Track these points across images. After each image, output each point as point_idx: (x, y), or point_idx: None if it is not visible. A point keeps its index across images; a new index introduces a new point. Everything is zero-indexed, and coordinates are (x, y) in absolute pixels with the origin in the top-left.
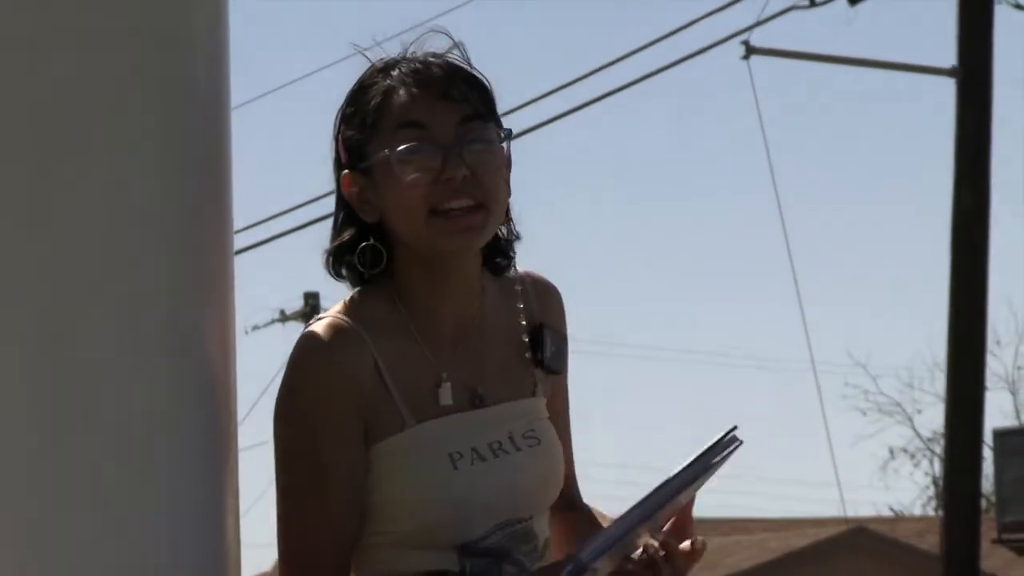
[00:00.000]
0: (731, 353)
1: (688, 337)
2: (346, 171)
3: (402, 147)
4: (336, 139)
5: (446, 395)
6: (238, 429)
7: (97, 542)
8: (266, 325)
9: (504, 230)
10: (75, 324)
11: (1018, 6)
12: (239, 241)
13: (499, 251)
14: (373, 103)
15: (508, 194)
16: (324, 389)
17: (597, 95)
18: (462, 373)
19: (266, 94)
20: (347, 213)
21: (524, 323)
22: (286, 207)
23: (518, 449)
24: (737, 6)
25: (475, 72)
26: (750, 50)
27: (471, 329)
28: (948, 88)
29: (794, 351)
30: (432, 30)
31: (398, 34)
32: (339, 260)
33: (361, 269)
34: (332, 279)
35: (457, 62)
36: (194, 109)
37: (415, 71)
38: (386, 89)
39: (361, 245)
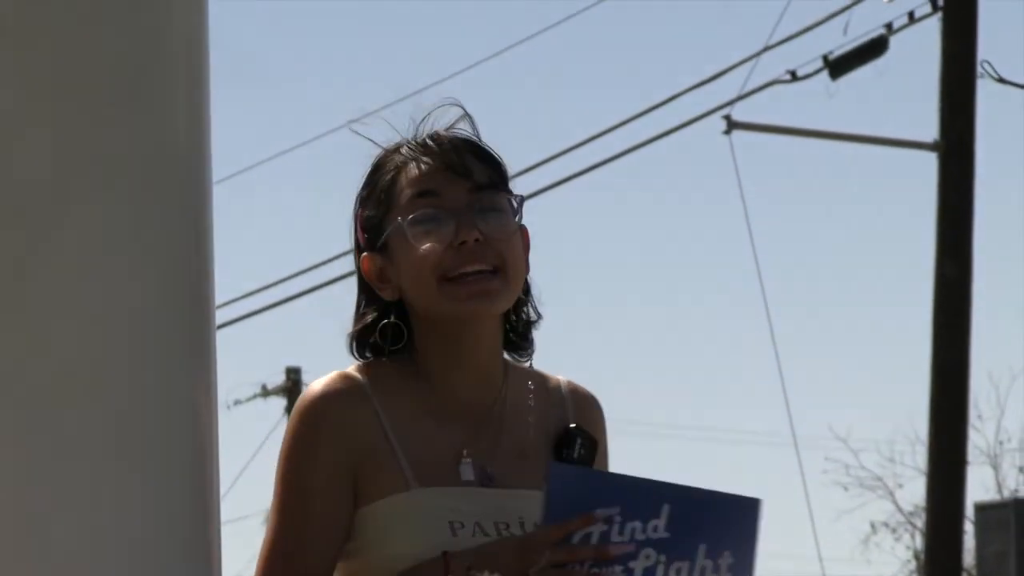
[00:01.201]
0: (711, 427)
1: (667, 412)
2: (365, 253)
3: (413, 215)
4: (354, 223)
5: (467, 471)
6: (220, 503)
7: None
8: (248, 400)
9: (525, 311)
10: (54, 399)
11: (1001, 80)
12: (221, 316)
13: (518, 332)
14: (386, 179)
15: (526, 268)
16: (317, 429)
17: (577, 170)
18: (475, 450)
19: (249, 168)
20: (368, 296)
21: (554, 423)
22: (268, 282)
23: None
24: (718, 81)
25: (484, 145)
26: (731, 124)
27: (491, 409)
28: (931, 161)
29: (775, 425)
30: (443, 103)
31: (387, 106)
32: (363, 343)
33: (382, 345)
34: (356, 361)
35: (466, 135)
36: (175, 183)
37: (425, 145)
38: (398, 165)
39: (383, 323)
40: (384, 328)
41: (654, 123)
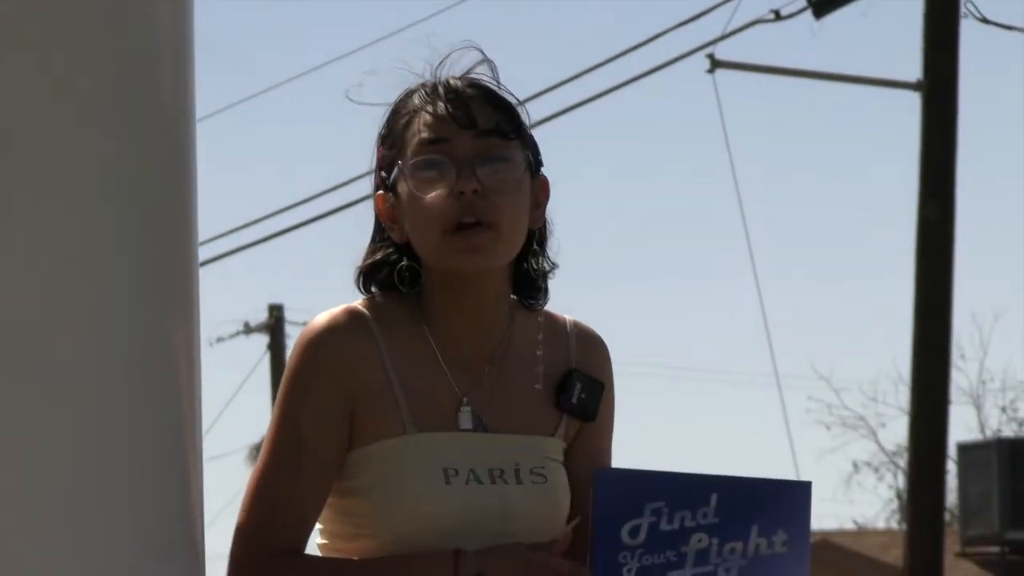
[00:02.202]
0: (694, 366)
1: (650, 350)
2: (380, 191)
3: (415, 160)
4: (374, 159)
5: (466, 419)
6: (203, 440)
7: (60, 553)
8: (230, 337)
9: (537, 260)
10: (39, 335)
11: (985, 20)
12: (204, 253)
13: (529, 282)
14: (401, 123)
15: (539, 222)
16: (317, 363)
17: (562, 108)
18: (474, 397)
19: (231, 105)
20: (382, 233)
21: (558, 366)
22: (252, 219)
23: (520, 482)
24: (702, 19)
25: (500, 91)
26: (715, 63)
27: (491, 356)
28: (914, 101)
29: (758, 365)
30: (461, 46)
31: (377, 40)
32: (370, 278)
33: (401, 288)
34: (362, 295)
35: (482, 81)
36: (158, 120)
37: (437, 91)
38: (413, 109)
39: (399, 266)
40: (400, 271)
41: (638, 61)
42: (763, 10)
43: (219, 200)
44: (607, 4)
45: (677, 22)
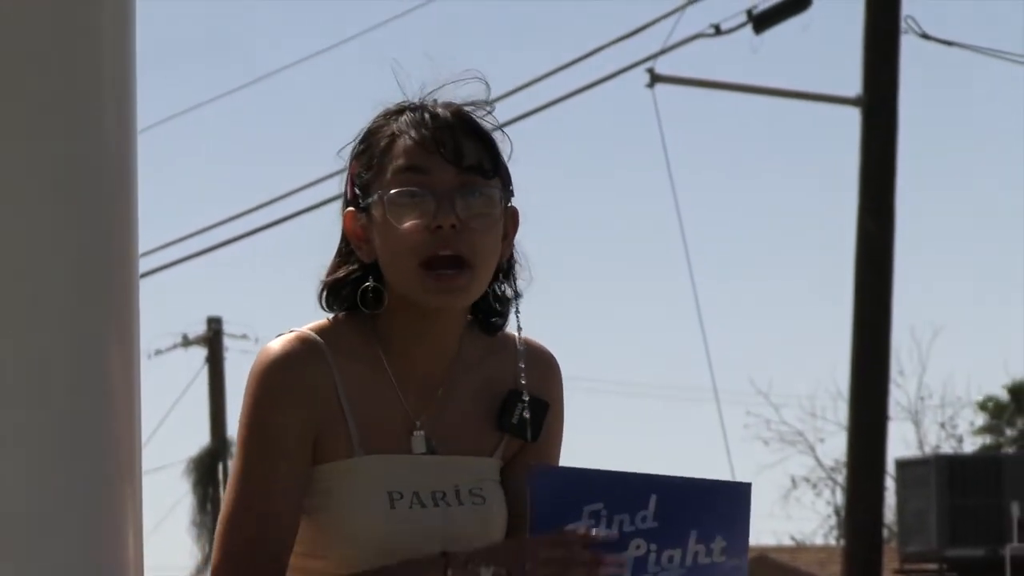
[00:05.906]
0: (631, 381)
1: (589, 367)
2: (350, 208)
3: (396, 190)
4: (346, 174)
5: (419, 444)
6: (142, 452)
7: None
8: (169, 349)
9: (500, 288)
10: None
11: (925, 36)
12: (143, 265)
13: (490, 308)
14: (381, 145)
15: (507, 253)
16: (283, 385)
17: (501, 122)
18: (425, 419)
19: (172, 117)
20: (348, 249)
21: (504, 386)
22: (190, 231)
23: (461, 504)
24: (642, 34)
25: (486, 125)
26: (655, 78)
27: (441, 378)
28: (854, 116)
29: (696, 379)
30: (462, 76)
31: (312, 56)
32: (333, 294)
33: (364, 309)
34: (324, 311)
35: (468, 114)
36: (99, 130)
37: (423, 119)
38: (394, 133)
39: (363, 286)
40: (365, 292)
41: (577, 76)
42: (703, 25)
43: (158, 211)
44: (545, 18)
45: (616, 36)
